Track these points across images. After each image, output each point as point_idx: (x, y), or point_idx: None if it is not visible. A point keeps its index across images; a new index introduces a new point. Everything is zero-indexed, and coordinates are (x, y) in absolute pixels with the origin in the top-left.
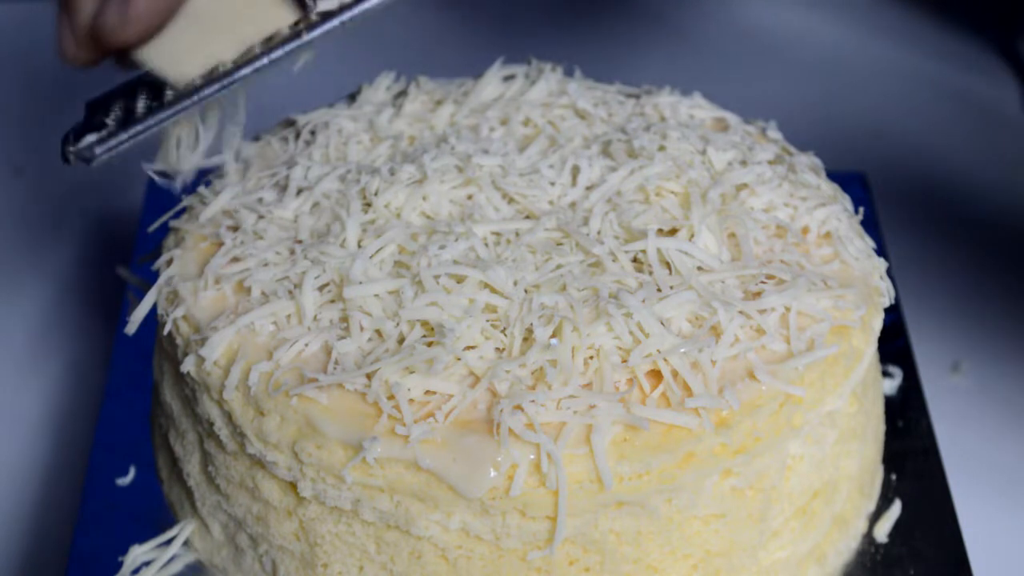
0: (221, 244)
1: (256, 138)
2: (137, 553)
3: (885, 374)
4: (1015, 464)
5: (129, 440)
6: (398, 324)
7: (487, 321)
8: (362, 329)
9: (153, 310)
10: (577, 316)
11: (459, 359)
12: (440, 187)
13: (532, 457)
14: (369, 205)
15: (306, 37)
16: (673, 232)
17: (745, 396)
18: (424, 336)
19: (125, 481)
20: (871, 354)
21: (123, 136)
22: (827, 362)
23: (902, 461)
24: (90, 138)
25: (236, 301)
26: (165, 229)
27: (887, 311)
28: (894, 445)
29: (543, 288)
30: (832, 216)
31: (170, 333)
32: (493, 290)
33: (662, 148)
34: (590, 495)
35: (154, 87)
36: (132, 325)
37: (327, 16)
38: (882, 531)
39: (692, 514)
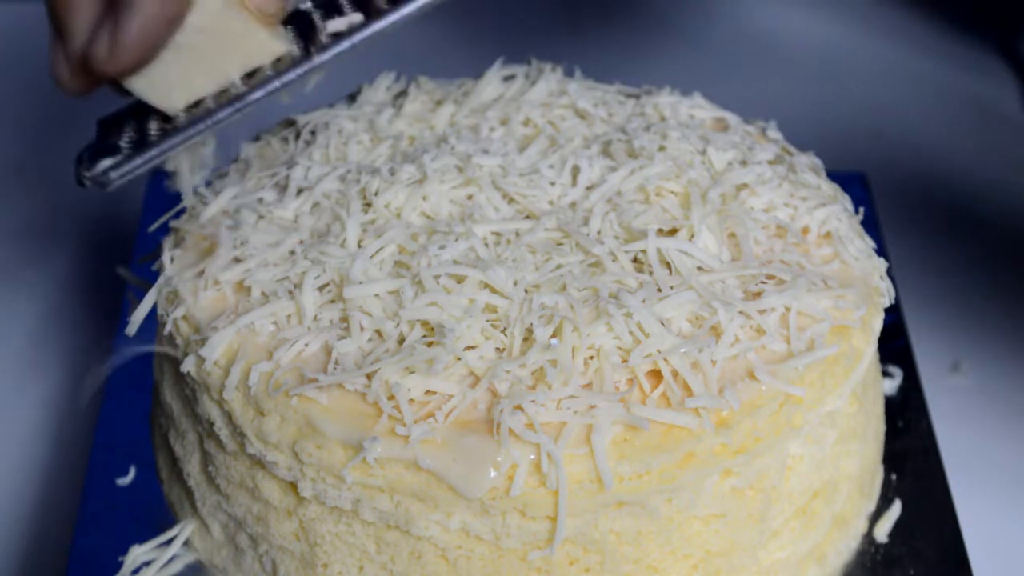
0: (221, 244)
1: (256, 138)
2: (137, 553)
3: (885, 374)
4: (1015, 464)
5: (129, 440)
6: (398, 324)
7: (487, 321)
8: (362, 329)
9: (153, 310)
10: (577, 316)
11: (459, 359)
12: (440, 187)
13: (532, 457)
14: (369, 205)
15: (317, 60)
16: (673, 232)
17: (745, 396)
18: (424, 336)
19: (125, 481)
20: (871, 354)
21: (138, 161)
22: (827, 362)
23: (902, 461)
24: (105, 163)
25: (236, 301)
26: (165, 229)
27: (887, 311)
28: (894, 445)
29: (543, 288)
30: (832, 216)
31: (170, 333)
32: (493, 290)
33: (662, 148)
34: (590, 495)
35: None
36: (132, 325)
37: (337, 37)
38: (882, 531)
39: (692, 514)
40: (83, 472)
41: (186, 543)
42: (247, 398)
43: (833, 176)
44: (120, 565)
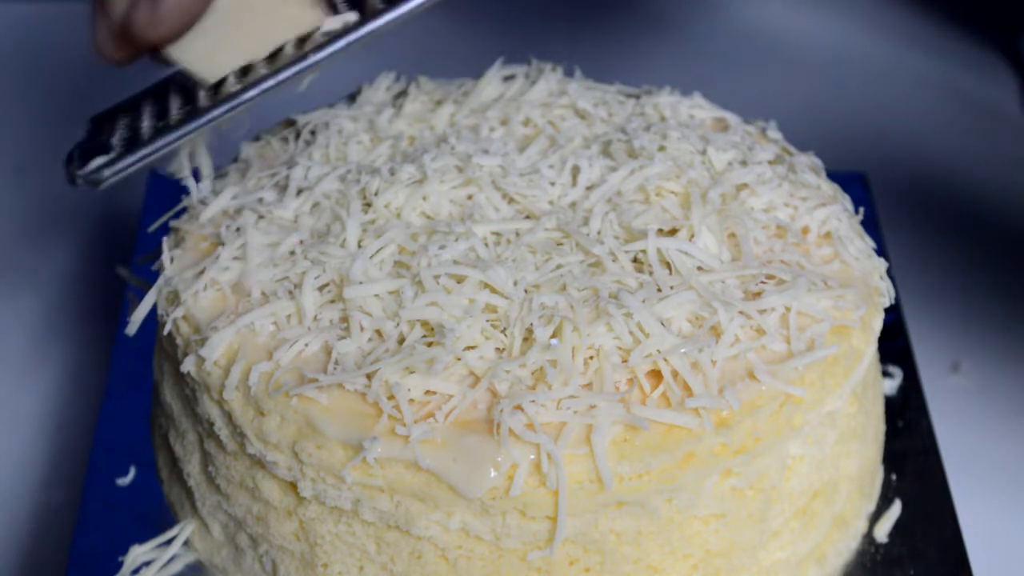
0: (221, 244)
1: (256, 138)
2: (137, 553)
3: (885, 374)
4: (1015, 464)
5: (129, 440)
6: (398, 324)
7: (487, 321)
8: (362, 329)
9: (153, 310)
10: (577, 316)
11: (459, 359)
12: (440, 187)
13: (532, 457)
14: (369, 205)
15: (312, 59)
16: (673, 232)
17: (745, 396)
18: (424, 336)
19: (125, 481)
20: (871, 354)
21: (130, 159)
22: (827, 362)
23: (902, 461)
24: (98, 161)
25: (236, 301)
26: (165, 229)
27: (887, 311)
28: (894, 445)
29: (543, 288)
30: (832, 216)
31: (170, 333)
32: (493, 290)
33: (662, 148)
34: (590, 495)
35: (157, 104)
36: (132, 325)
37: (332, 37)
38: (882, 531)
39: (692, 514)
40: (83, 472)
41: (186, 543)
42: (247, 398)
43: (833, 176)
44: (120, 565)
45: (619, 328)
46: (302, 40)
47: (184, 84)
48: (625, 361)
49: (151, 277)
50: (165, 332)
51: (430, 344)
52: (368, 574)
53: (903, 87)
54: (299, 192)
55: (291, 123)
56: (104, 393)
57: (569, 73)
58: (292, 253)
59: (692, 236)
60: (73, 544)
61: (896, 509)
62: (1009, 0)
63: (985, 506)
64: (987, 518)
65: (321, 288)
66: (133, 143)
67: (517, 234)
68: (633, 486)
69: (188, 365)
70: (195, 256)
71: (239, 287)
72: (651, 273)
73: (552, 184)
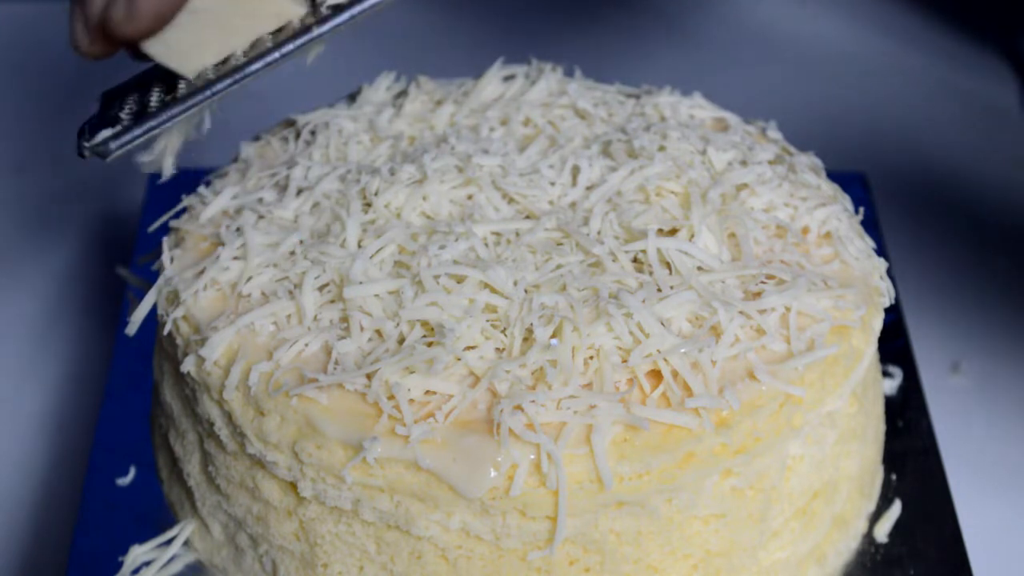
0: (221, 244)
1: (256, 138)
2: (137, 553)
3: (885, 374)
4: (1015, 464)
5: (129, 440)
6: (398, 324)
7: (487, 321)
8: (362, 329)
9: (153, 310)
10: (577, 316)
11: (459, 359)
12: (440, 187)
13: (532, 457)
14: (369, 205)
15: (316, 32)
16: (673, 232)
17: (745, 396)
18: (424, 336)
19: (125, 481)
20: (871, 354)
21: (136, 132)
22: (827, 362)
23: (902, 461)
24: (105, 133)
25: (236, 301)
26: (165, 229)
27: (887, 311)
28: (894, 445)
29: (543, 288)
30: (832, 216)
31: (170, 333)
32: (493, 290)
33: (662, 148)
34: (590, 495)
35: (167, 80)
36: (132, 325)
37: (337, 10)
38: (882, 531)
39: (692, 514)
40: (83, 472)
41: (186, 543)
42: (247, 398)
43: (833, 176)
44: (120, 565)
45: (619, 328)
46: (278, 33)
47: None
48: (625, 361)
49: (151, 277)
50: (165, 332)
51: (430, 344)
52: (368, 574)
53: (903, 87)
54: (299, 192)
55: (291, 123)
56: (104, 393)
57: (569, 73)
58: (292, 253)
59: (692, 236)
60: (73, 544)
61: (896, 509)
62: (1009, 0)
63: (985, 506)
64: (987, 518)
65: (321, 288)
66: (141, 116)
67: (517, 234)
68: (633, 486)
69: (188, 365)
70: (195, 256)
71: (238, 287)
72: (651, 273)
73: (552, 184)
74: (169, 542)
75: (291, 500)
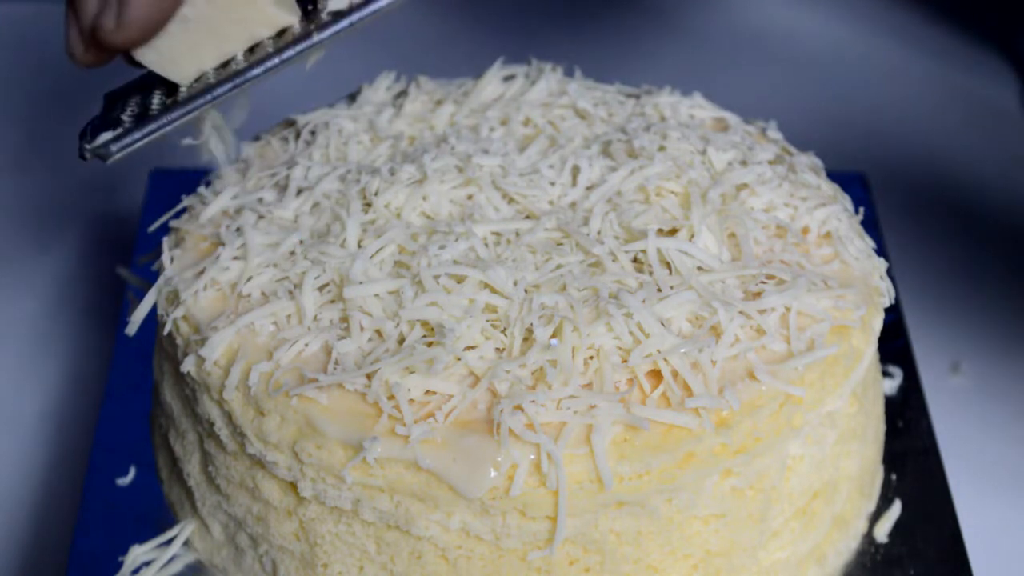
0: (221, 244)
1: (256, 138)
2: (137, 553)
3: (885, 374)
4: (1015, 464)
5: (129, 440)
6: (398, 324)
7: (487, 321)
8: (362, 329)
9: (153, 310)
10: (577, 316)
11: (459, 359)
12: (440, 187)
13: (532, 457)
14: (369, 205)
15: (317, 37)
16: (673, 232)
17: (745, 396)
18: (424, 336)
19: (125, 481)
20: (871, 354)
21: (137, 135)
22: (827, 362)
23: (902, 461)
24: (106, 135)
25: (236, 301)
26: (165, 229)
27: (887, 311)
28: (894, 445)
29: (543, 288)
30: (832, 216)
31: (170, 333)
32: (493, 290)
33: (662, 148)
34: (590, 495)
35: (169, 83)
36: (132, 325)
37: (337, 16)
38: (882, 531)
39: (692, 514)
40: (83, 472)
41: (186, 543)
42: (247, 398)
43: (833, 176)
44: (120, 565)
45: (619, 328)
46: (279, 38)
47: None
48: (625, 361)
49: (151, 277)
50: (165, 332)
51: (430, 344)
52: (368, 574)
53: (903, 87)
54: (299, 192)
55: (291, 123)
56: (104, 393)
57: (569, 73)
58: (292, 253)
59: (692, 236)
60: (73, 544)
61: (896, 509)
62: (1009, 0)
63: (985, 506)
64: (987, 518)
65: (321, 288)
66: (142, 119)
67: (517, 234)
68: (633, 486)
69: (188, 365)
70: (195, 256)
71: (238, 287)
72: (651, 273)
73: (552, 184)
74: (169, 542)
75: (291, 500)
